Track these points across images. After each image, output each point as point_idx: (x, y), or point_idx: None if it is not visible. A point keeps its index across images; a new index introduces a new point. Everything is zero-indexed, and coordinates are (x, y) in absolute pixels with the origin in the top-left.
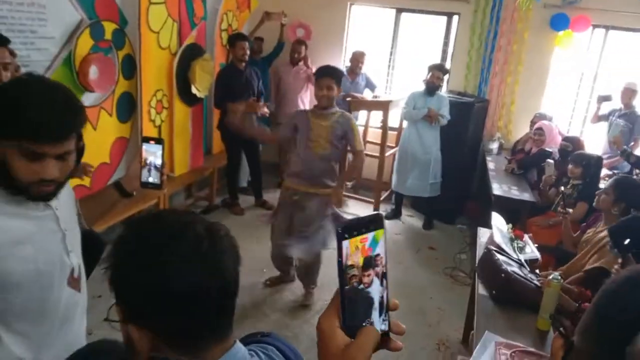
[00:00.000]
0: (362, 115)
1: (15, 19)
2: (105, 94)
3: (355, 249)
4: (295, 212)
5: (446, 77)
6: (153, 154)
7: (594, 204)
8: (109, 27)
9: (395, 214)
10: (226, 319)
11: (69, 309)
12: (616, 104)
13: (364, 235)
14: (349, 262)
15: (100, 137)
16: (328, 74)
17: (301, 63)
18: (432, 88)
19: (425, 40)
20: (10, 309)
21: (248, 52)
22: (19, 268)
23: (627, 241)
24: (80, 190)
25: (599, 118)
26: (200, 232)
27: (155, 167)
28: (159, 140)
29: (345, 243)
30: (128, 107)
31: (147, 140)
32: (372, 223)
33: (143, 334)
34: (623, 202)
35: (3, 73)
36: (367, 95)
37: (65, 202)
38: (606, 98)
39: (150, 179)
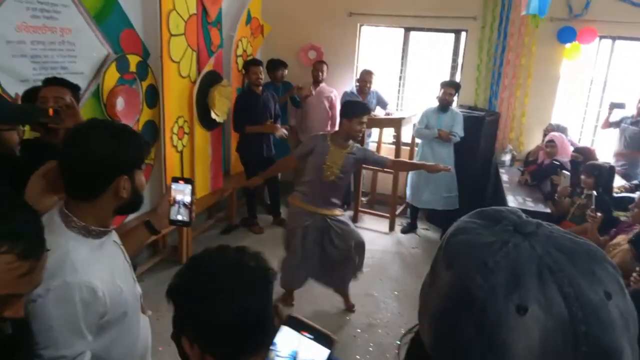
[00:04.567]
0: (374, 132)
1: (48, 57)
2: (131, 123)
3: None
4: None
5: (458, 92)
6: (182, 192)
7: (630, 218)
8: (134, 60)
9: (411, 228)
10: (267, 337)
11: (146, 334)
12: (628, 111)
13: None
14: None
15: None
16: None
17: (323, 84)
18: (444, 104)
19: (435, 57)
20: (110, 348)
21: (262, 76)
22: (120, 303)
23: None
24: None
25: (609, 124)
26: (247, 264)
27: (185, 204)
28: (188, 180)
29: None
30: (152, 135)
31: (176, 180)
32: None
33: (195, 350)
34: None
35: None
36: (379, 112)
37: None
38: (619, 105)
39: (179, 217)
